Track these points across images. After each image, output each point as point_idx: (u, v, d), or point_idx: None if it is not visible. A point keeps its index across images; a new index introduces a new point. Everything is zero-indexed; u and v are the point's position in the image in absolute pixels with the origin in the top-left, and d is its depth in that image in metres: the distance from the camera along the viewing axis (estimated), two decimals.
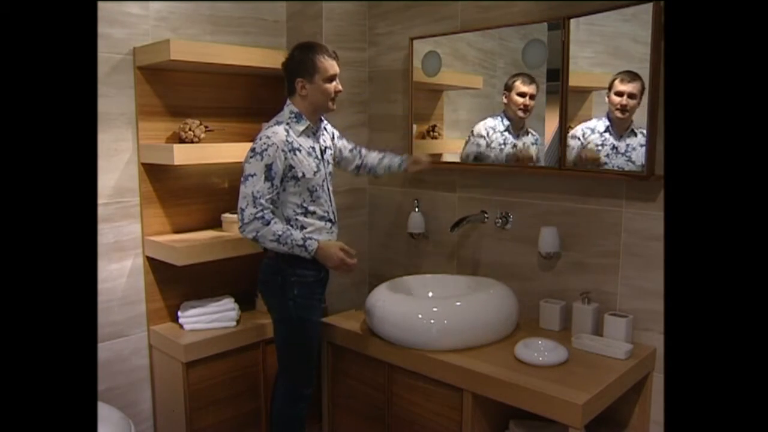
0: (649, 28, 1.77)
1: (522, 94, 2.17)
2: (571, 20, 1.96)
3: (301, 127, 1.94)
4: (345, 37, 2.59)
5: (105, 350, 2.25)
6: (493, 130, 2.28)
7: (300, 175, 1.91)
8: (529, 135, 2.20)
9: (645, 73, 1.80)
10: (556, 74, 2.02)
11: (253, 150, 1.88)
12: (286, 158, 1.88)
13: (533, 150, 2.19)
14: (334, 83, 1.95)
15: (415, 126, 2.50)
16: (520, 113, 2.18)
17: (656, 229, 1.88)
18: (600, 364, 1.81)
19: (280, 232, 1.86)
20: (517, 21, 2.15)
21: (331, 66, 1.93)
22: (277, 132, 1.89)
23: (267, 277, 2.00)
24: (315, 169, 1.95)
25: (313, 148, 1.98)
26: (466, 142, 2.34)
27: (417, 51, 2.42)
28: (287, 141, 1.89)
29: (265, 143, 1.86)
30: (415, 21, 2.49)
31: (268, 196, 1.86)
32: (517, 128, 2.22)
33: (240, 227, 1.88)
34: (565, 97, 2.01)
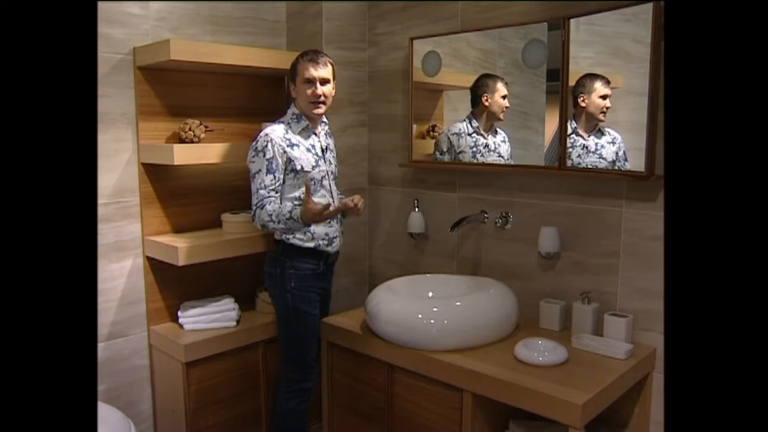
0: (649, 28, 1.77)
1: (504, 96, 2.24)
2: (571, 20, 1.96)
3: (300, 127, 2.06)
4: (345, 37, 2.59)
5: (105, 350, 2.25)
6: (458, 135, 2.34)
7: (299, 167, 2.01)
8: (499, 134, 2.26)
9: (645, 73, 1.80)
10: (556, 74, 2.02)
11: (254, 149, 2.00)
12: (284, 152, 1.99)
13: (504, 148, 2.25)
14: (312, 87, 2.00)
15: (415, 126, 2.49)
16: (502, 115, 2.25)
17: (656, 229, 1.88)
18: (600, 364, 1.81)
19: (271, 211, 1.96)
20: (517, 21, 2.15)
21: (307, 70, 2.00)
22: (275, 129, 2.02)
23: (269, 269, 2.11)
24: (313, 164, 2.05)
25: (313, 145, 2.08)
26: (436, 143, 2.42)
27: (417, 51, 2.42)
28: (285, 137, 2.01)
29: (264, 140, 1.99)
30: (415, 21, 2.49)
31: (271, 187, 1.98)
32: (486, 129, 2.27)
33: (253, 222, 2.03)
34: (565, 97, 2.01)
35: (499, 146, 2.26)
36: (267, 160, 1.97)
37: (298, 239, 2.04)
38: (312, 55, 2.02)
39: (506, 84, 2.22)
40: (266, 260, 2.14)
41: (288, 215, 1.94)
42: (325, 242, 2.08)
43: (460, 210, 2.41)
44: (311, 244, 2.05)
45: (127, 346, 2.31)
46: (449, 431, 1.89)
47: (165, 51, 2.07)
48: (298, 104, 2.07)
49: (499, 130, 2.26)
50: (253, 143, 2.02)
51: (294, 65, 2.05)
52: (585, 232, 2.06)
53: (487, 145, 2.28)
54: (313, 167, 2.04)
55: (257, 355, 2.39)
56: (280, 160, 1.98)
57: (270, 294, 2.17)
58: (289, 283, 2.05)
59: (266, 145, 1.97)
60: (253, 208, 1.99)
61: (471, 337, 1.94)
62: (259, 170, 1.97)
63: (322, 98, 2.02)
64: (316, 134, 2.09)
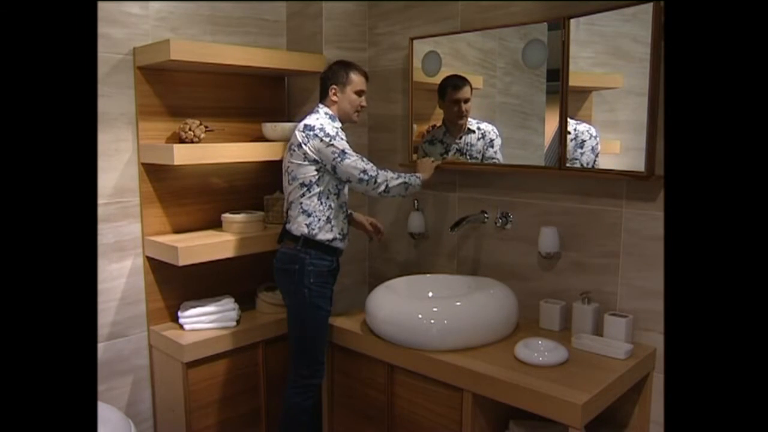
0: (649, 28, 1.77)
1: (456, 101, 2.28)
2: (571, 20, 1.96)
3: (337, 125, 2.12)
4: (345, 37, 2.59)
5: (105, 350, 2.25)
6: (430, 143, 2.41)
7: None
8: (474, 132, 2.28)
9: (645, 73, 1.80)
10: (556, 74, 2.02)
11: (327, 135, 2.01)
12: None
13: (480, 145, 2.27)
14: (361, 98, 2.14)
15: (415, 126, 2.50)
16: (458, 120, 2.30)
17: (656, 229, 1.88)
18: (600, 364, 1.81)
19: (390, 174, 2.09)
20: (517, 21, 2.15)
21: (361, 82, 2.15)
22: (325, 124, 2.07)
23: (285, 266, 2.10)
24: None
25: None
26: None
27: (417, 51, 2.42)
28: None
29: (333, 128, 2.05)
30: (415, 21, 2.49)
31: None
32: (457, 131, 2.32)
33: (378, 189, 2.06)
34: (565, 97, 2.00)
35: (473, 145, 2.28)
36: (347, 143, 2.05)
37: (321, 235, 2.06)
38: (363, 70, 2.16)
39: (463, 85, 2.27)
40: (280, 256, 2.12)
41: (409, 175, 2.13)
42: (340, 237, 2.11)
43: (460, 210, 2.41)
44: (330, 238, 2.08)
45: (127, 347, 2.31)
46: (449, 431, 1.89)
47: (165, 51, 2.07)
48: (339, 107, 2.12)
49: (474, 128, 2.28)
50: (318, 134, 2.00)
51: (347, 72, 2.11)
52: (585, 232, 2.06)
53: (459, 150, 2.32)
54: None
55: (257, 355, 2.39)
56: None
57: (283, 291, 2.16)
58: (308, 278, 2.05)
59: (337, 132, 2.04)
60: (376, 178, 2.04)
61: (471, 337, 1.94)
62: (344, 150, 2.01)
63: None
64: None
